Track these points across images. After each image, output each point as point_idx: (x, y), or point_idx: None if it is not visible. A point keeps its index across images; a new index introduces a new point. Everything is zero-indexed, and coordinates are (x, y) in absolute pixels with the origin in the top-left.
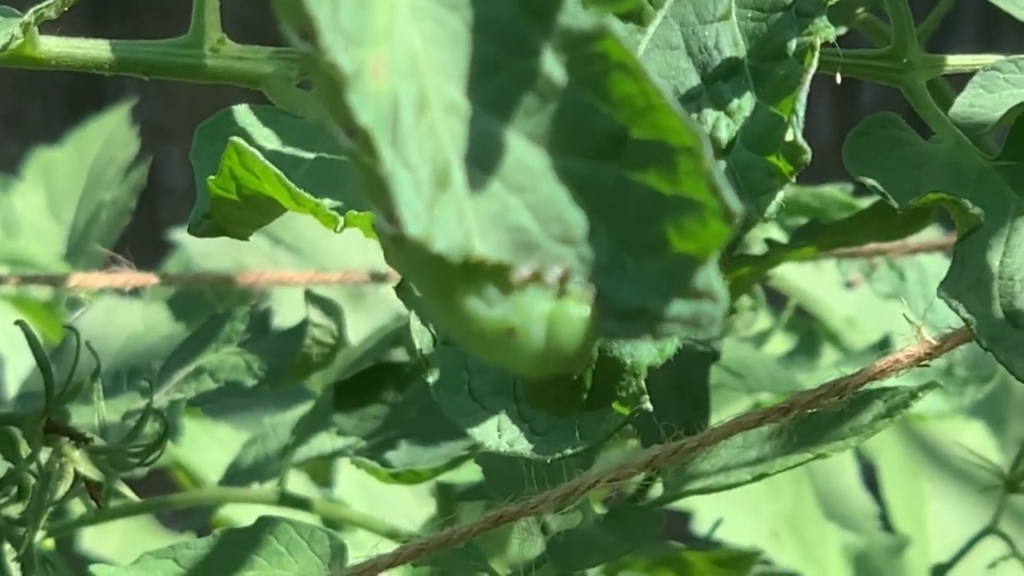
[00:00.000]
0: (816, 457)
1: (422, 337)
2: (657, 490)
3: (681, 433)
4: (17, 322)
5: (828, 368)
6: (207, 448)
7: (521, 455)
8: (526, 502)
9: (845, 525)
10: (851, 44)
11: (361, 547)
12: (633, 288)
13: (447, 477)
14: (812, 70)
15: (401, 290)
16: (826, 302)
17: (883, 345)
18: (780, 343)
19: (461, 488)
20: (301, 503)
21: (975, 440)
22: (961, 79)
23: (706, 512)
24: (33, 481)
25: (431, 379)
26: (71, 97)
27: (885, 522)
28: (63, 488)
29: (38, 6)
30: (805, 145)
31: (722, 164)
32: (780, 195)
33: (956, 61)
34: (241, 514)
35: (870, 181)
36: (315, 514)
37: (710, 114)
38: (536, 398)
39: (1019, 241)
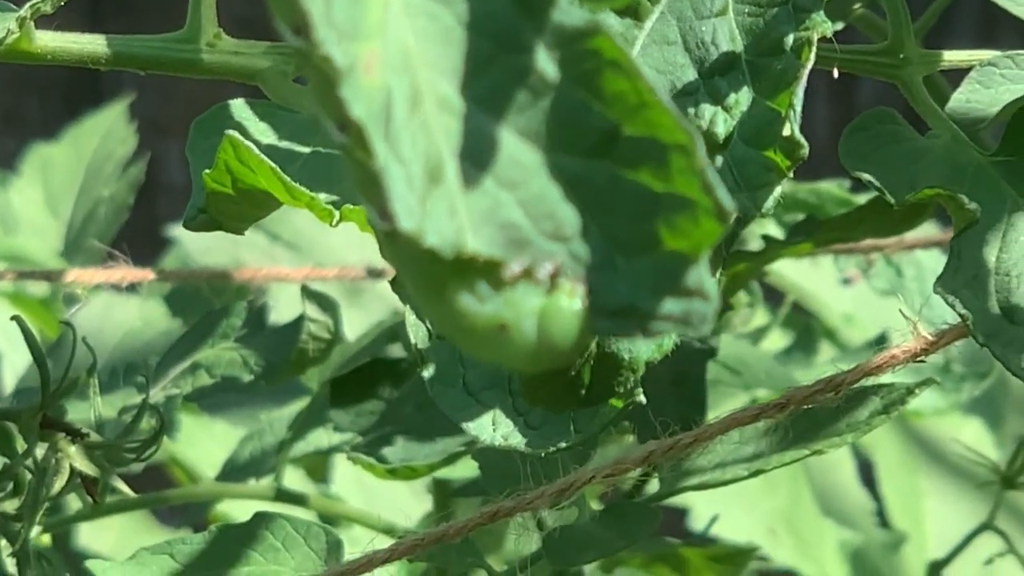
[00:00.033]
0: (813, 453)
1: (417, 331)
2: (653, 486)
3: (677, 429)
4: (13, 317)
5: (825, 365)
6: (204, 444)
7: (515, 449)
8: (522, 498)
9: (842, 521)
10: (848, 40)
11: (357, 543)
12: (624, 286)
13: (443, 473)
14: (809, 65)
15: (397, 285)
16: (823, 299)
17: (880, 341)
18: (777, 339)
19: (457, 484)
20: (297, 499)
21: (972, 437)
22: (958, 75)
23: (703, 508)
24: (29, 476)
25: (426, 374)
26: (68, 93)
27: (882, 518)
28: (59, 483)
29: (34, 1)
30: (802, 140)
31: (719, 159)
32: (778, 190)
33: (953, 57)
34: (237, 510)
35: (866, 176)
36: (311, 510)
37: (707, 109)
38: (534, 394)
39: (1015, 236)
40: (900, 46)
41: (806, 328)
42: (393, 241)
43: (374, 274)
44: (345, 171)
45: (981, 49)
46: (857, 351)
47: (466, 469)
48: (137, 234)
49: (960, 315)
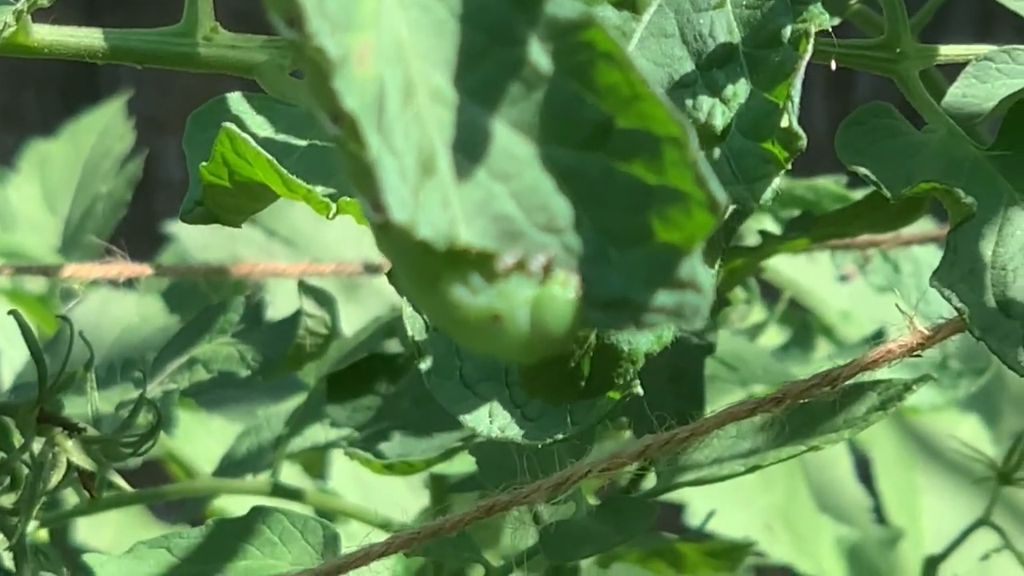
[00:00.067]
0: (810, 449)
1: (414, 324)
2: (650, 481)
3: (674, 424)
4: (11, 312)
5: (822, 361)
6: (202, 440)
7: (512, 441)
8: (519, 492)
9: (839, 518)
10: (845, 36)
11: (355, 539)
12: (617, 278)
13: (441, 468)
14: (807, 57)
15: (393, 277)
16: (820, 295)
17: (876, 337)
18: (774, 336)
19: (455, 480)
20: (294, 494)
21: (969, 434)
22: (955, 70)
23: (699, 504)
24: (26, 471)
25: (423, 366)
26: (66, 90)
27: (879, 514)
28: (56, 478)
29: None
30: (800, 131)
31: (717, 151)
32: (776, 181)
33: (949, 52)
34: (234, 506)
35: (862, 170)
36: (308, 505)
37: (705, 101)
38: (533, 385)
39: (1012, 231)
40: (896, 40)
41: (803, 325)
42: (386, 233)
43: (371, 270)
44: (340, 164)
45: (978, 44)
46: (854, 347)
47: (463, 464)
48: (135, 230)
49: (956, 309)
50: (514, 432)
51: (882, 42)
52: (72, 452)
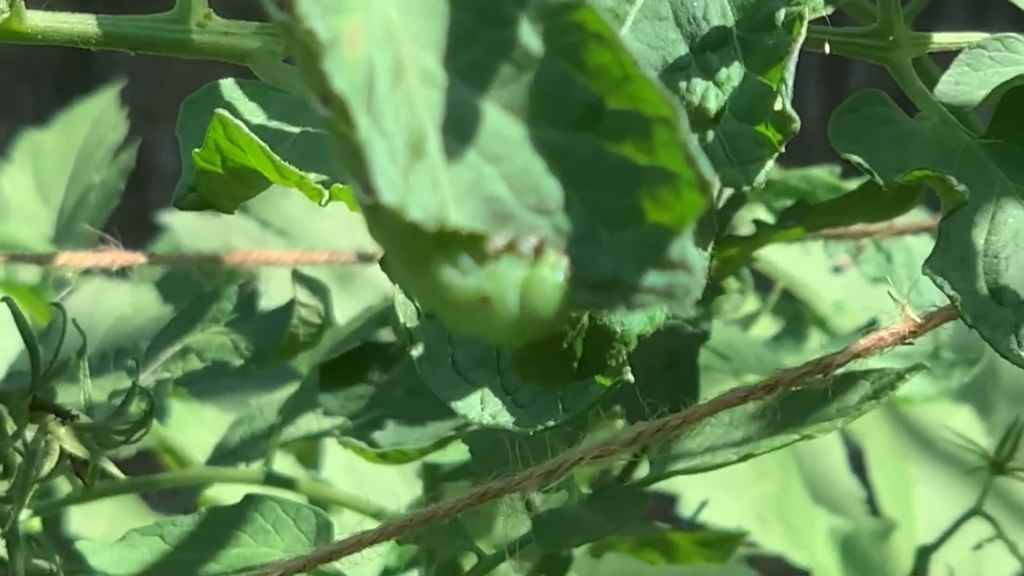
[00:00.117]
0: (803, 438)
1: (406, 310)
2: (644, 470)
3: (667, 411)
4: (4, 299)
5: (815, 351)
6: (194, 430)
7: (504, 428)
8: (511, 479)
9: (832, 508)
10: (839, 24)
11: (348, 528)
12: (608, 258)
13: (434, 457)
14: (801, 40)
15: (384, 263)
16: (814, 286)
17: (869, 327)
18: (767, 326)
19: (448, 469)
20: (287, 483)
21: (962, 424)
22: (948, 58)
23: (692, 495)
24: (19, 459)
25: (415, 353)
26: (60, 80)
27: (872, 505)
28: (49, 465)
29: None
30: (794, 114)
31: (711, 134)
32: (769, 164)
33: (942, 39)
34: (227, 495)
35: (855, 158)
36: (301, 494)
37: (699, 84)
38: (526, 368)
39: (1004, 219)
40: (889, 28)
41: (796, 315)
42: (376, 215)
43: (364, 258)
44: (331, 147)
45: (972, 32)
46: (847, 338)
47: (456, 453)
48: (128, 221)
49: (948, 296)
50: (505, 419)
51: (875, 30)
52: (65, 439)
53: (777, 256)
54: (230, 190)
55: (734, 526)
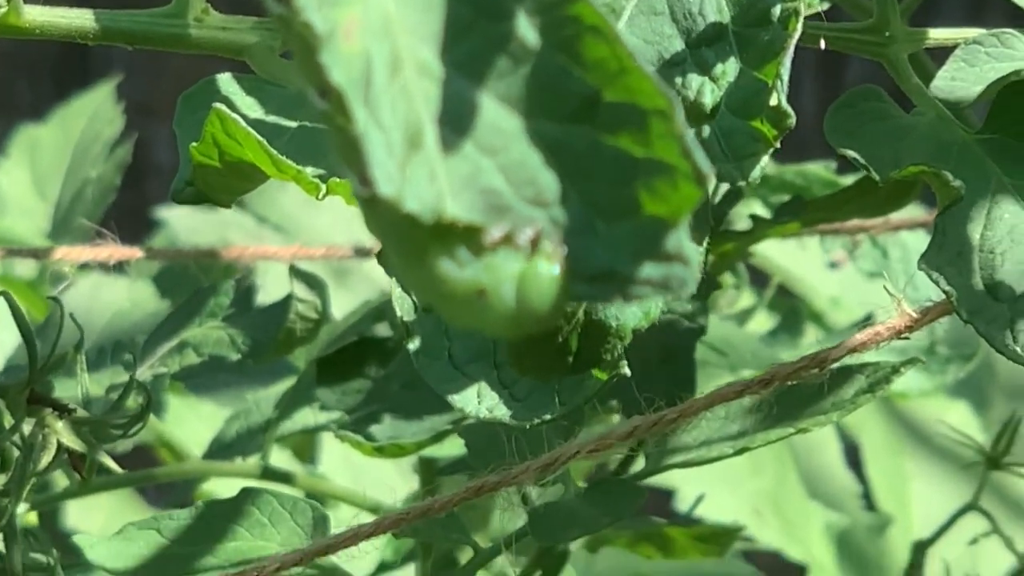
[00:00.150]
0: (798, 432)
1: (403, 304)
2: (640, 465)
3: (663, 405)
4: (1, 293)
5: (811, 346)
6: (191, 425)
7: (500, 422)
8: (507, 472)
9: (828, 503)
10: (835, 20)
11: (344, 522)
12: (604, 250)
13: (431, 452)
14: (796, 35)
15: (381, 257)
16: (810, 282)
17: (865, 322)
18: (763, 322)
19: (444, 463)
20: (284, 477)
21: (958, 419)
22: (944, 54)
23: (689, 490)
24: (16, 453)
25: (412, 346)
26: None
27: (868, 501)
28: (46, 459)
29: None
30: (789, 109)
31: (707, 129)
32: (764, 159)
33: (938, 35)
34: (224, 489)
35: (851, 153)
36: (298, 488)
37: (694, 79)
38: (521, 362)
39: (1000, 214)
40: (886, 24)
41: (792, 310)
42: (374, 207)
43: (361, 253)
44: (328, 140)
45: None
46: (842, 333)
47: (453, 447)
48: (125, 216)
49: (944, 292)
50: (502, 412)
51: (871, 25)
52: (62, 433)
53: (773, 251)
54: (227, 184)
55: (730, 521)
